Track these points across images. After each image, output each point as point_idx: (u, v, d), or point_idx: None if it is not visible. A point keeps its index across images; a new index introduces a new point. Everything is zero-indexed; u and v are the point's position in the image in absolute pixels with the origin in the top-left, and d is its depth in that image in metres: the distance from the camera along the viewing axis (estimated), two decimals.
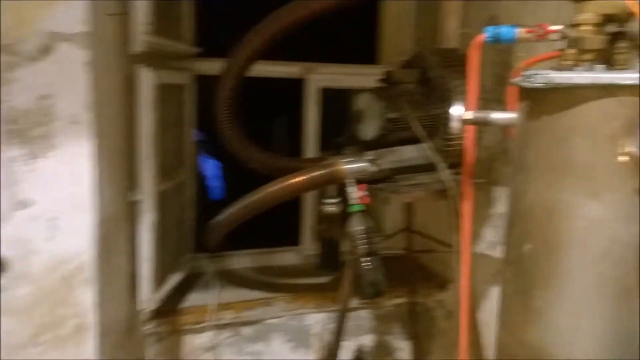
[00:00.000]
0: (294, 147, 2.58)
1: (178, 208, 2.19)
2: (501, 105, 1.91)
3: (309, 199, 2.48)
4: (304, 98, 2.42)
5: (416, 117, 1.76)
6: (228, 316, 2.10)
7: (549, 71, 0.95)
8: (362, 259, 1.56)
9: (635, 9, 0.93)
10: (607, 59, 0.99)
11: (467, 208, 1.25)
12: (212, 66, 2.21)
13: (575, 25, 1.00)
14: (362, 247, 1.58)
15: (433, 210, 2.32)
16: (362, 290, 1.57)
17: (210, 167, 3.33)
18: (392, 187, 1.77)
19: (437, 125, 1.80)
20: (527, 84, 0.96)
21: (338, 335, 1.85)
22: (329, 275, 1.99)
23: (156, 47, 1.76)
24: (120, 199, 1.71)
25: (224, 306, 2.09)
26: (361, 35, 2.78)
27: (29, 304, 1.46)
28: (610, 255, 0.90)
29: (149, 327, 1.98)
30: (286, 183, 1.63)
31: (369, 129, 1.84)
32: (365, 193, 1.62)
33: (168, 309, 2.01)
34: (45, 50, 1.37)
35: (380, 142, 1.83)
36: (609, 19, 1.00)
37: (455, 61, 1.79)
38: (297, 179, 1.62)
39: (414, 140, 1.83)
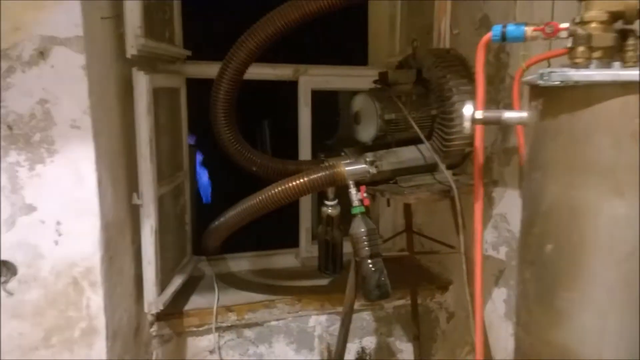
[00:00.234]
0: (285, 149, 2.55)
1: (177, 211, 2.17)
2: (495, 105, 1.94)
3: (306, 201, 2.45)
4: (298, 100, 2.38)
5: (414, 118, 1.75)
6: (231, 318, 2.10)
7: (566, 69, 0.94)
8: (367, 261, 1.55)
9: None
10: (615, 56, 0.99)
11: (478, 208, 1.24)
12: (203, 69, 2.18)
13: (583, 23, 1.00)
14: (365, 249, 1.57)
15: (431, 211, 2.32)
16: (368, 292, 1.56)
17: (205, 171, 3.29)
18: (393, 188, 1.76)
19: (435, 125, 1.80)
20: (542, 82, 0.94)
21: (344, 337, 1.83)
22: (329, 278, 1.96)
23: (149, 50, 1.74)
24: (122, 203, 1.70)
25: (227, 308, 2.09)
26: (352, 36, 2.77)
27: (40, 307, 1.48)
28: (637, 253, 0.88)
29: (154, 330, 2.00)
30: (286, 185, 1.60)
31: (366, 131, 1.82)
32: (366, 195, 1.61)
33: (172, 312, 2.01)
34: (40, 55, 1.36)
35: (379, 144, 1.82)
36: (616, 16, 1.00)
37: (452, 61, 1.79)
38: (297, 182, 1.60)
39: (412, 141, 1.83)
